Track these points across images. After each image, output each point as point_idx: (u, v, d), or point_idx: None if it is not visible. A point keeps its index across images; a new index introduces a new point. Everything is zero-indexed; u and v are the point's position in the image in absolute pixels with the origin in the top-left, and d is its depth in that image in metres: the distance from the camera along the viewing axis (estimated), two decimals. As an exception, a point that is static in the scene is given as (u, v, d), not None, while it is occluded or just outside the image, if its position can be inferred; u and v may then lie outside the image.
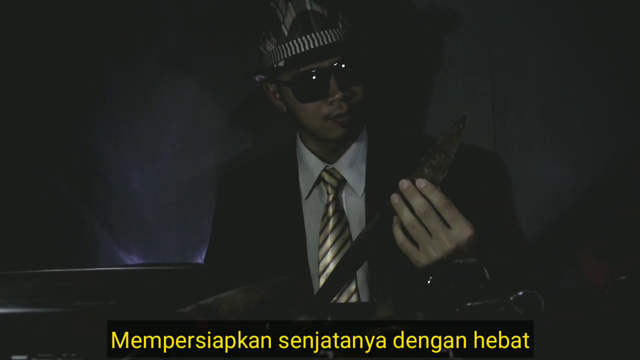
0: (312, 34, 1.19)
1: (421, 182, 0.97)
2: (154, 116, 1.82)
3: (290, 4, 1.21)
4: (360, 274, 1.27)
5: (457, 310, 0.71)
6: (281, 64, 1.22)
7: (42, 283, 0.75)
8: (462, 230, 0.96)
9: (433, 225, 0.96)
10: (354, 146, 1.32)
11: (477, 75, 1.52)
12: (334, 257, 1.26)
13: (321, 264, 1.27)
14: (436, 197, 0.96)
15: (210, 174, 1.70)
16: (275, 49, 1.23)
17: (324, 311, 0.73)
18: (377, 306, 0.73)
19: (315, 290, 1.29)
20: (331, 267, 1.26)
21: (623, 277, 0.77)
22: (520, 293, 0.71)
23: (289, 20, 1.21)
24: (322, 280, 1.26)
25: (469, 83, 1.53)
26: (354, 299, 1.26)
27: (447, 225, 0.97)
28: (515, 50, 1.49)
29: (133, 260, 1.82)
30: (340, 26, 1.21)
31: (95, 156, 1.86)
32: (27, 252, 1.73)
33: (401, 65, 1.60)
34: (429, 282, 0.79)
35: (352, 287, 1.26)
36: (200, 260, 1.72)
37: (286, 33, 1.21)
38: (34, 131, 1.85)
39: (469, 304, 0.71)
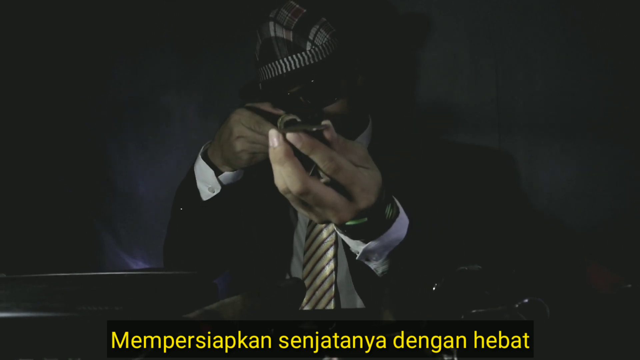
0: (275, 62, 1.21)
1: (300, 138, 0.69)
2: (160, 121, 1.83)
3: (258, 32, 1.24)
4: (340, 277, 1.28)
5: (462, 317, 0.71)
6: (261, 86, 1.27)
7: (48, 287, 0.75)
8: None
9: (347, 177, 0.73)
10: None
11: (483, 81, 1.52)
12: (318, 247, 1.29)
13: (307, 253, 1.29)
14: (320, 152, 0.71)
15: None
16: (256, 71, 1.28)
17: (328, 317, 0.73)
18: (381, 312, 0.73)
19: (294, 272, 1.34)
20: (315, 256, 1.29)
21: (629, 285, 0.77)
22: (526, 300, 0.71)
23: (258, 47, 1.25)
24: (305, 271, 1.29)
25: (475, 90, 1.53)
26: (332, 305, 1.27)
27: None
28: (522, 57, 1.49)
29: (138, 265, 1.83)
30: (308, 48, 1.20)
31: (101, 161, 1.87)
32: (33, 256, 1.74)
33: (407, 72, 1.60)
34: (433, 289, 0.78)
35: (332, 291, 1.27)
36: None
37: (257, 59, 1.25)
38: (40, 136, 1.86)
39: (473, 310, 0.71)
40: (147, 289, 0.73)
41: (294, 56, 1.19)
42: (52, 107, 1.87)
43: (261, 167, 1.33)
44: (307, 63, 1.20)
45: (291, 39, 1.19)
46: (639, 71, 1.39)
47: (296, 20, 1.20)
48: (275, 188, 0.73)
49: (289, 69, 1.20)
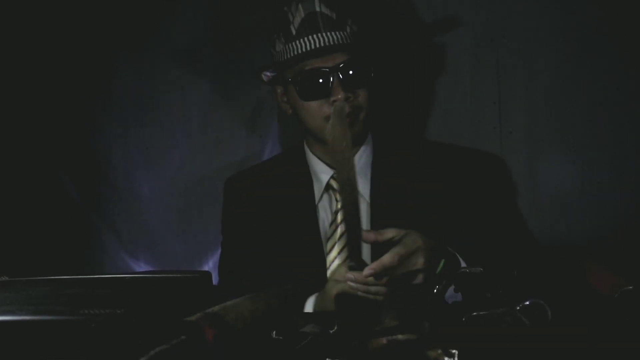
0: (319, 34, 1.22)
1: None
2: (163, 123, 1.83)
3: (300, 5, 1.24)
4: None
5: (464, 319, 0.71)
6: (289, 61, 1.25)
7: (50, 290, 0.75)
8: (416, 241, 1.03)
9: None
10: (360, 152, 1.32)
11: (484, 83, 1.52)
12: (341, 263, 1.26)
13: (329, 271, 1.26)
14: (385, 260, 1.00)
15: (219, 181, 1.70)
16: (283, 47, 1.26)
17: (329, 320, 0.73)
18: (383, 315, 0.73)
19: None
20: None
21: (630, 287, 0.77)
22: (527, 302, 0.71)
23: (298, 20, 1.24)
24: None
25: (477, 91, 1.53)
26: None
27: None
28: (523, 59, 1.49)
29: (141, 267, 1.83)
30: (348, 30, 1.24)
31: (104, 162, 1.87)
32: (35, 258, 1.74)
33: (409, 73, 1.60)
34: (435, 291, 0.79)
35: None
36: (207, 267, 1.72)
37: (294, 32, 1.24)
38: (43, 137, 1.86)
39: (475, 313, 0.71)
40: (149, 292, 0.73)
41: (336, 32, 1.22)
42: (56, 108, 1.87)
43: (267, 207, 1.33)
44: (347, 41, 1.23)
45: (334, 18, 1.23)
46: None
47: (337, 5, 1.25)
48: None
49: (330, 42, 1.21)
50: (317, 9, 1.23)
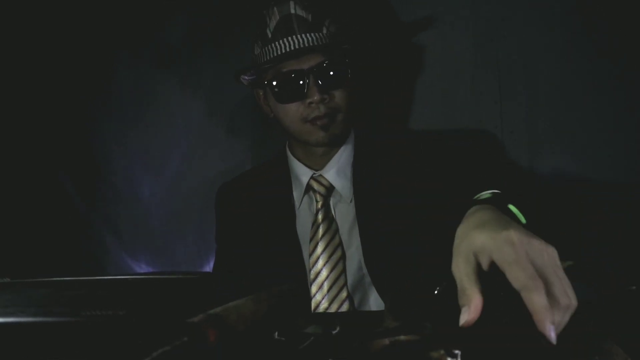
0: (293, 36, 1.22)
1: None
2: (163, 124, 1.83)
3: (275, 8, 1.25)
4: (351, 279, 1.28)
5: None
6: (265, 64, 1.25)
7: (51, 292, 0.75)
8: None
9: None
10: (340, 152, 1.33)
11: (485, 82, 1.52)
12: (324, 264, 1.27)
13: (312, 271, 1.27)
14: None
15: (219, 181, 1.71)
16: (260, 51, 1.26)
17: (331, 321, 0.73)
18: (384, 316, 0.73)
19: (310, 298, 1.30)
20: (323, 274, 1.27)
21: (633, 287, 0.77)
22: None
23: (273, 23, 1.24)
24: (313, 289, 1.26)
25: (478, 90, 1.53)
26: (345, 307, 1.26)
27: None
28: (524, 58, 1.49)
29: (142, 268, 1.83)
30: (324, 31, 1.23)
31: (104, 163, 1.87)
32: (36, 260, 1.74)
33: (409, 72, 1.60)
34: (436, 292, 0.78)
35: (344, 294, 1.26)
36: (208, 268, 1.73)
37: (270, 35, 1.24)
38: (44, 139, 1.87)
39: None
40: (150, 293, 0.73)
41: (312, 34, 1.22)
42: (56, 110, 1.87)
43: (251, 215, 1.34)
44: (323, 42, 1.22)
45: (310, 19, 1.23)
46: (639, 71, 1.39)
47: (313, 7, 1.24)
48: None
49: (306, 44, 1.21)
50: (292, 11, 1.23)
